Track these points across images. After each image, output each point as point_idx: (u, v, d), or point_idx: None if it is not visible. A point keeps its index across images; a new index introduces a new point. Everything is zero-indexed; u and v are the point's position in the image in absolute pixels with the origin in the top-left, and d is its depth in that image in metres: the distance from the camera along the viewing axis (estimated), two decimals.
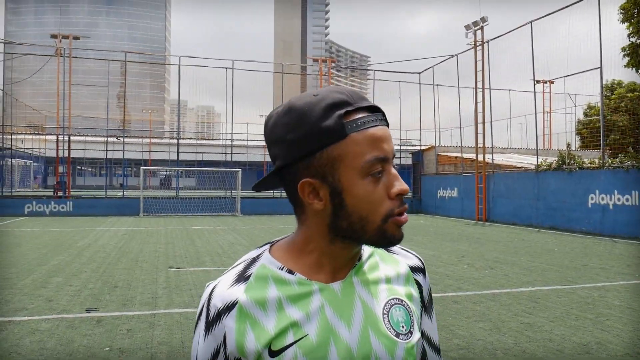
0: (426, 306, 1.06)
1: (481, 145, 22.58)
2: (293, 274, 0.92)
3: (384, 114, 0.91)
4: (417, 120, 29.40)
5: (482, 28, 22.96)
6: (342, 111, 0.86)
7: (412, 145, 34.03)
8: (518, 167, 21.72)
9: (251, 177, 48.72)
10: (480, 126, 22.79)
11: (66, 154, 25.60)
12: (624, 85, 26.28)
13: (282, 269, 0.93)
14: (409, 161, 30.69)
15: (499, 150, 26.36)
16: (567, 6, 18.42)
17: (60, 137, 26.18)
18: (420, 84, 29.68)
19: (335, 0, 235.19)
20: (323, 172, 0.87)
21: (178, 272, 8.77)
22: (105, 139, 27.06)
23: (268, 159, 38.20)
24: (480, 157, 22.60)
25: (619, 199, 15.49)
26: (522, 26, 20.94)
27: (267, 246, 0.98)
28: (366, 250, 1.01)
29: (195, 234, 15.45)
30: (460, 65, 25.94)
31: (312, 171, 0.88)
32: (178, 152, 26.89)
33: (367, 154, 0.86)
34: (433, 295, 1.11)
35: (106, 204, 24.08)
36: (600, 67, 17.09)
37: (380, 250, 1.03)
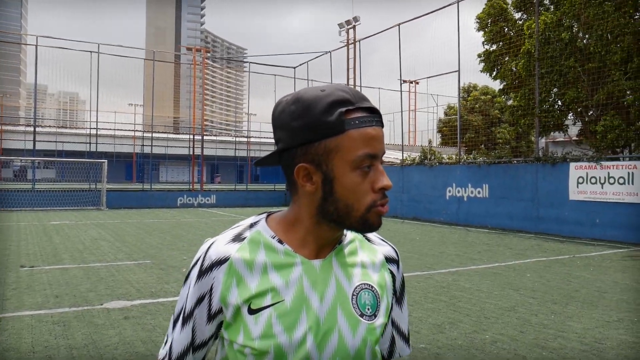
0: (397, 296, 1.16)
1: None
2: (282, 244, 1.03)
3: (380, 116, 0.99)
4: None
5: (354, 27, 23.84)
6: (344, 109, 0.95)
7: None
8: (385, 162, 22.89)
9: (118, 168, 46.07)
10: None
11: None
12: (478, 88, 28.77)
13: (273, 238, 1.03)
14: None
15: None
16: (431, 12, 19.76)
17: None
18: (295, 78, 30.08)
19: None
20: (319, 160, 0.96)
21: (31, 271, 8.03)
22: None
23: (138, 149, 36.41)
24: None
25: (472, 192, 17.00)
26: (391, 28, 22.09)
27: (265, 215, 1.09)
28: (348, 235, 1.10)
29: (54, 229, 14.27)
30: (334, 62, 26.75)
31: (309, 157, 0.97)
32: (35, 141, 24.61)
33: (359, 150, 0.95)
34: None
35: None
36: (458, 71, 18.59)
37: (360, 238, 1.13)
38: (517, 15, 17.84)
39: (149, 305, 6.01)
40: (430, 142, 22.36)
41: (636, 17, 13.86)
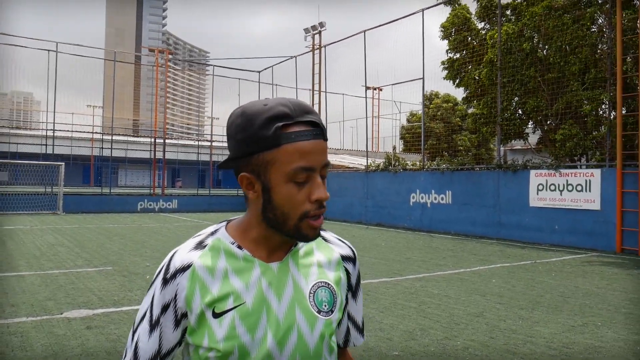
0: (353, 291, 1.24)
1: None
2: (241, 249, 1.10)
3: (321, 129, 1.04)
4: None
5: (320, 32, 23.86)
6: (281, 124, 1.00)
7: None
8: (350, 168, 22.97)
9: (76, 172, 44.76)
10: None
11: None
12: (440, 96, 29.25)
13: (233, 244, 1.10)
14: None
15: (332, 151, 27.61)
16: (396, 20, 19.97)
17: None
18: (259, 82, 29.90)
19: None
20: (258, 171, 1.04)
21: None
22: None
23: (96, 152, 35.43)
24: None
25: (435, 198, 17.21)
26: (356, 34, 22.20)
27: (224, 223, 1.15)
28: None
29: (7, 234, 13.68)
30: (299, 67, 26.71)
31: (250, 168, 1.05)
32: None
33: (294, 164, 1.01)
34: None
35: None
36: (423, 78, 18.84)
37: (318, 239, 1.20)
38: (481, 25, 18.21)
39: (112, 314, 5.78)
40: (394, 148, 22.54)
41: (593, 29, 14.34)
